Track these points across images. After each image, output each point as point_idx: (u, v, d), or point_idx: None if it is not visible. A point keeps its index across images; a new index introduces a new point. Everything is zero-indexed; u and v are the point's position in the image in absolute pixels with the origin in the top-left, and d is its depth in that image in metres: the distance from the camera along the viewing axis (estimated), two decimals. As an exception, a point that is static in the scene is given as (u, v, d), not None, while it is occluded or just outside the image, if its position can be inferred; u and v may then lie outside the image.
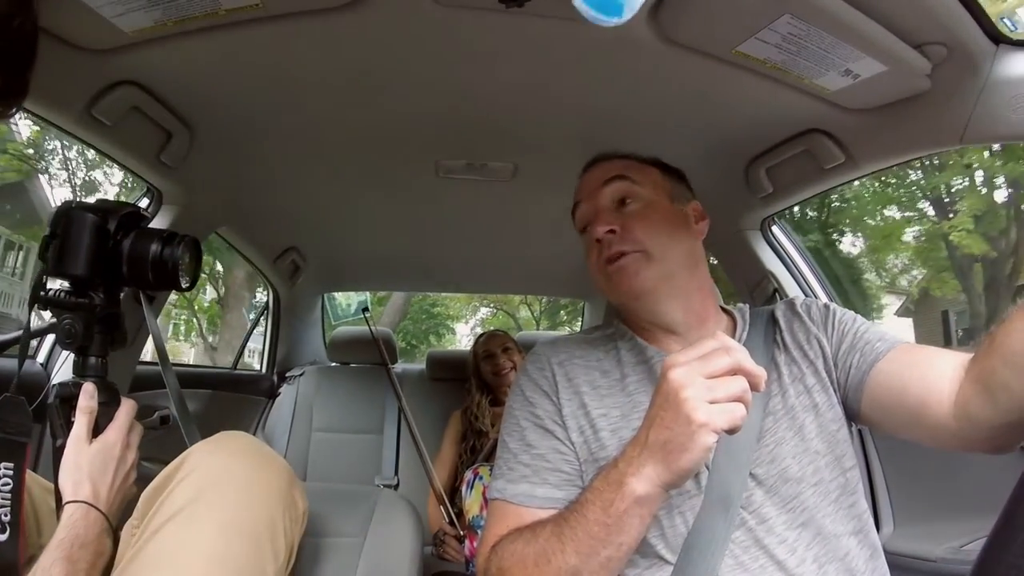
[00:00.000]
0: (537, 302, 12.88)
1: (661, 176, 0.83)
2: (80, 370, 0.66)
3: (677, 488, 0.57)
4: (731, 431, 0.52)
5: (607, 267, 0.76)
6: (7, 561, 0.57)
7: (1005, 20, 0.77)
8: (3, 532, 0.58)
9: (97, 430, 0.64)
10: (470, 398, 1.94)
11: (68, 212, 0.63)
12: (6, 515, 0.58)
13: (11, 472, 0.60)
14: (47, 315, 0.68)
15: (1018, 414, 0.55)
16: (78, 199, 0.72)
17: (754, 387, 0.53)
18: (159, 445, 1.54)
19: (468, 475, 1.60)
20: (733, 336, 0.78)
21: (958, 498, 1.12)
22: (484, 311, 14.23)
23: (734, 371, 0.53)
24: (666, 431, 0.54)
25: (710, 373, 0.53)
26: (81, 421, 0.63)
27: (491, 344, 1.99)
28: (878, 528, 1.19)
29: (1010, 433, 0.58)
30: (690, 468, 0.53)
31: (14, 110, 0.54)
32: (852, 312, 0.79)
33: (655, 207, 0.78)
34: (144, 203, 1.23)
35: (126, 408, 0.67)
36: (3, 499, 0.59)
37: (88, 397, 0.64)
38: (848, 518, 0.68)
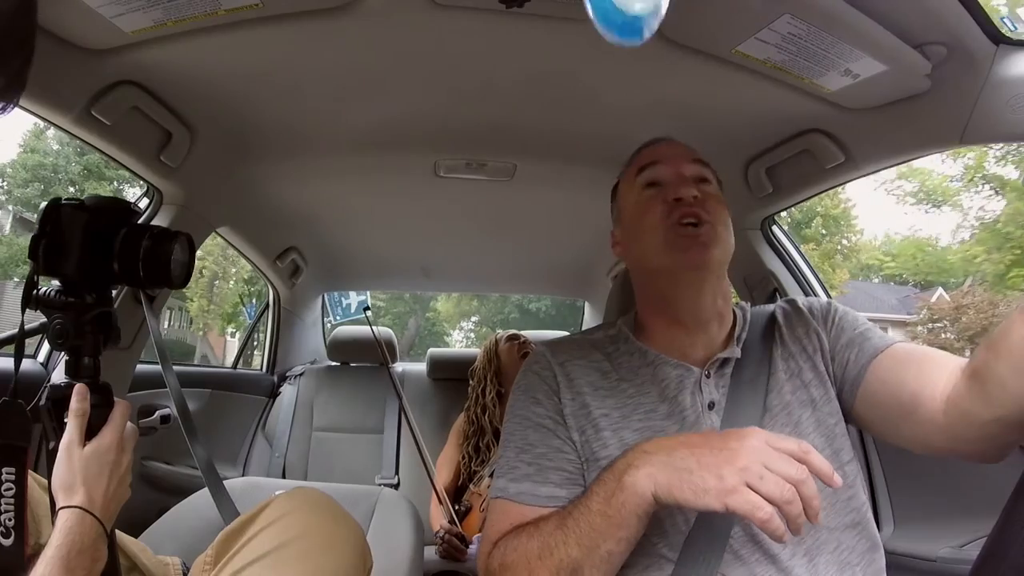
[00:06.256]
0: (512, 322, 17.46)
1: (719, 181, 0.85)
2: (72, 371, 0.64)
3: (664, 508, 0.57)
4: (769, 530, 0.50)
5: (679, 227, 0.74)
6: (12, 566, 0.56)
7: (1006, 20, 0.77)
8: (7, 537, 0.57)
9: (91, 433, 0.62)
10: (480, 389, 1.89)
11: (57, 210, 0.61)
12: (10, 520, 0.57)
13: (13, 477, 0.59)
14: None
15: (1008, 409, 0.55)
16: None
17: (827, 482, 0.53)
18: (159, 445, 1.55)
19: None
20: (732, 333, 0.78)
21: (958, 498, 1.12)
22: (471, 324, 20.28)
23: (800, 459, 0.52)
24: (694, 462, 0.54)
25: (777, 446, 0.53)
26: (73, 424, 0.60)
27: (511, 338, 1.96)
28: (879, 528, 1.19)
29: (998, 434, 0.58)
30: (683, 504, 0.54)
31: (12, 106, 0.53)
32: (855, 312, 0.79)
33: (721, 199, 0.80)
34: (144, 203, 1.23)
35: (120, 410, 0.64)
36: (7, 504, 0.58)
37: (80, 399, 0.61)
38: (845, 511, 0.68)
